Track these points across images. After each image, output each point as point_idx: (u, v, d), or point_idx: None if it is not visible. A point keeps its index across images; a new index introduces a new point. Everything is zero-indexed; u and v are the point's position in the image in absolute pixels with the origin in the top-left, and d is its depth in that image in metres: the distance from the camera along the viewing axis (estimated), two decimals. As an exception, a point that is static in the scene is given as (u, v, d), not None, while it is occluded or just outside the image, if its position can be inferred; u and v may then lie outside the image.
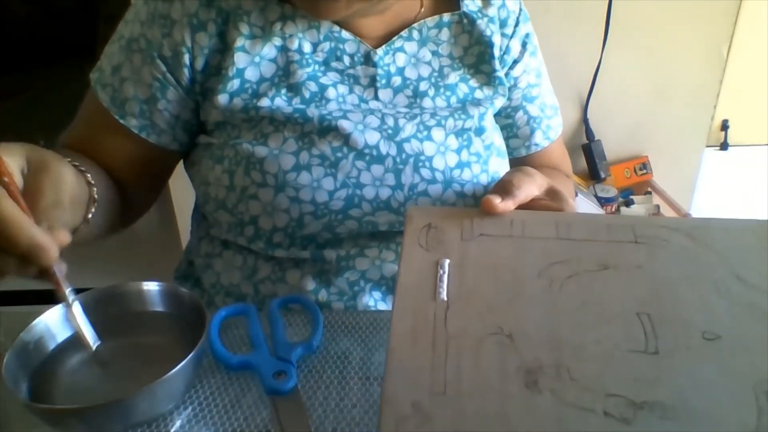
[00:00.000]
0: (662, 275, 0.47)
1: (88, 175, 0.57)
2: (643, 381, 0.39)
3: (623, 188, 1.78)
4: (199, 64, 0.65)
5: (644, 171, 1.80)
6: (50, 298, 0.50)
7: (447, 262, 0.48)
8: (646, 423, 0.37)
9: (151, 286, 0.57)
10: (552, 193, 0.59)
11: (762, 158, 1.82)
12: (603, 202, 1.68)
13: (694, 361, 0.41)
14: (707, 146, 1.81)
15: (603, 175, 1.74)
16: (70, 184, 0.50)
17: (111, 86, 0.66)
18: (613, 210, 1.71)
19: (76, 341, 0.53)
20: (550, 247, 0.50)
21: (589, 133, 1.73)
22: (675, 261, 0.48)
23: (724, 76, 1.71)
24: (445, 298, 0.45)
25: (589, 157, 1.74)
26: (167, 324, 0.56)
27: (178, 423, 0.50)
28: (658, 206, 1.72)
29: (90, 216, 0.56)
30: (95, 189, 0.57)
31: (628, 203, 1.74)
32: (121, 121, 0.66)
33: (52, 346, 0.53)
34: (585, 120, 1.72)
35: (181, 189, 1.58)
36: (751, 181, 1.84)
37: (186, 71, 0.65)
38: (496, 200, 0.53)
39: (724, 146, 1.81)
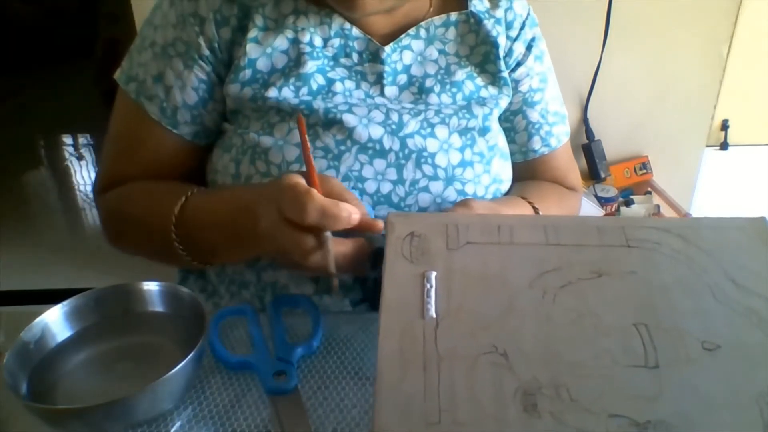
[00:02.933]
0: (657, 281, 0.45)
1: None
2: (645, 398, 0.38)
3: (623, 188, 1.78)
4: (225, 58, 0.67)
5: (644, 171, 1.80)
6: (50, 298, 0.50)
7: (434, 274, 0.45)
8: None
9: (151, 286, 0.57)
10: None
11: (762, 158, 1.81)
12: (603, 202, 1.68)
13: (696, 374, 0.39)
14: (707, 146, 1.80)
15: (603, 175, 1.74)
16: None
17: (157, 96, 0.67)
18: (613, 210, 1.70)
19: (76, 341, 0.54)
20: (540, 255, 0.47)
21: (589, 133, 1.73)
22: (668, 265, 0.46)
23: (724, 77, 1.70)
24: (434, 315, 0.43)
25: (589, 157, 1.74)
26: (167, 324, 0.56)
27: (178, 423, 0.50)
28: (658, 206, 1.72)
29: None
30: None
31: (628, 203, 1.74)
32: (175, 131, 0.67)
33: (52, 346, 0.53)
34: (585, 120, 1.72)
35: (181, 189, 1.58)
36: (751, 181, 1.83)
37: (221, 66, 0.67)
38: None
39: (724, 146, 1.80)
